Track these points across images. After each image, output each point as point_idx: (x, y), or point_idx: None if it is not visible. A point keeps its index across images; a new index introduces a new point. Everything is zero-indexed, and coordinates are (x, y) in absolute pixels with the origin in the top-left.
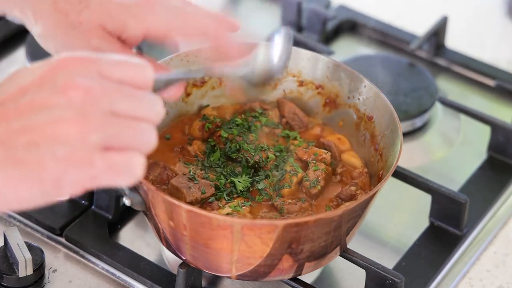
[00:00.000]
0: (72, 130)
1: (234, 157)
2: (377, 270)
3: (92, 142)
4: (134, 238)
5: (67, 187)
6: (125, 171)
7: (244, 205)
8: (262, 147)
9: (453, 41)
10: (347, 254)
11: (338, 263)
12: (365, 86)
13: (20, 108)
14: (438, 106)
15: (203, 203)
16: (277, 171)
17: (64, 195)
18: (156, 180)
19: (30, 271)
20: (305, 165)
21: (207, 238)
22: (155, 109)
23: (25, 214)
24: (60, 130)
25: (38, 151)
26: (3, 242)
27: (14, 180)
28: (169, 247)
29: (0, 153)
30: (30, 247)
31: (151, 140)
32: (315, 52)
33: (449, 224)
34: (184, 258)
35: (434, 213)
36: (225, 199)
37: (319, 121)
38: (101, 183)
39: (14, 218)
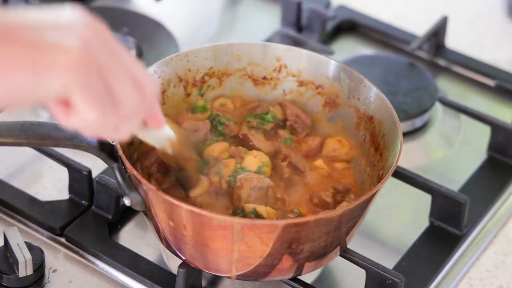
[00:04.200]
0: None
1: (220, 130)
2: (377, 270)
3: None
4: (134, 238)
5: (52, 83)
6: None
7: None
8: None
9: (453, 41)
10: (347, 254)
11: (338, 263)
12: (365, 86)
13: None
14: (438, 106)
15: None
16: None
17: (48, 94)
18: (147, 170)
19: (30, 271)
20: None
21: (207, 238)
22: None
23: (25, 214)
24: (61, 43)
25: (40, 38)
26: (3, 242)
27: (9, 60)
28: (169, 247)
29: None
30: (30, 247)
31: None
32: (315, 52)
33: (449, 224)
34: (184, 258)
35: (434, 213)
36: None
37: (323, 123)
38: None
39: (14, 218)
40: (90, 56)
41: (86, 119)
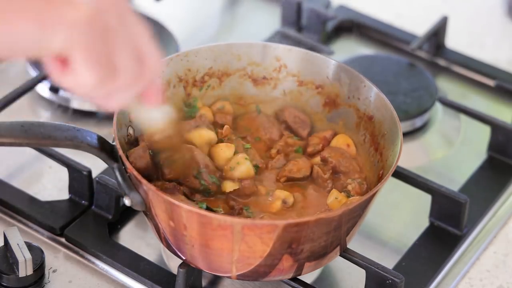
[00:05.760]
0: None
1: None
2: (377, 270)
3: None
4: (134, 238)
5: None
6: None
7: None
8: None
9: (453, 41)
10: (347, 254)
11: (338, 263)
12: (365, 86)
13: None
14: (438, 106)
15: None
16: None
17: (50, 48)
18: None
19: (30, 271)
20: None
21: (207, 238)
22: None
23: (25, 214)
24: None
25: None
26: (3, 242)
27: (16, 10)
28: (169, 247)
29: None
30: (30, 247)
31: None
32: (315, 52)
33: (449, 224)
34: (184, 258)
35: (434, 213)
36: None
37: (324, 123)
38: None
39: (14, 218)
40: (99, 18)
41: (81, 81)
